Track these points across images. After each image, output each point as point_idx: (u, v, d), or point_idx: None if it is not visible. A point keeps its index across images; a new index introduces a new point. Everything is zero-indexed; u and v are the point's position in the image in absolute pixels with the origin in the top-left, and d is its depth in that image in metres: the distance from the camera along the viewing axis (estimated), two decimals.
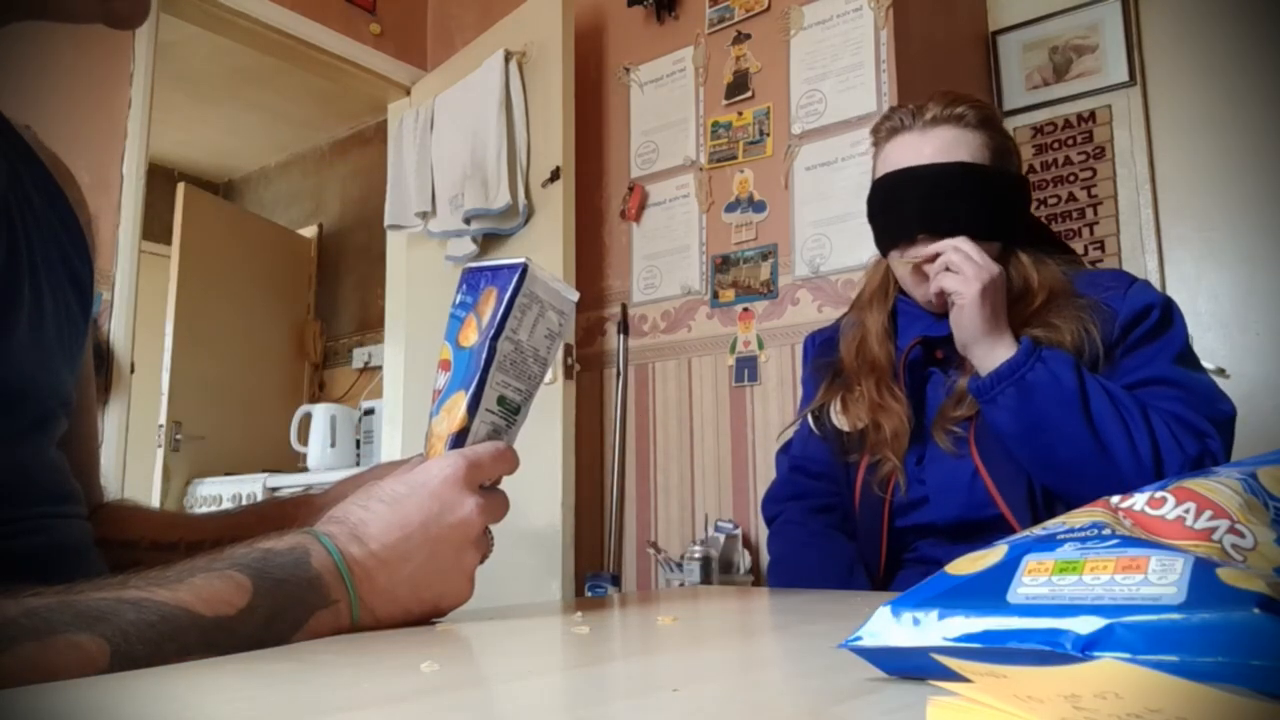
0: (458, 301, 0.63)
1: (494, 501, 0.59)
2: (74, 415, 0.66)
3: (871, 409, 1.18)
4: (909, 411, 1.16)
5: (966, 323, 1.07)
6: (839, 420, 1.22)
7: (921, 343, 1.18)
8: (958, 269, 1.08)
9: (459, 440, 0.59)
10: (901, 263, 1.18)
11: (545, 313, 0.62)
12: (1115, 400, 1.02)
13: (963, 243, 1.09)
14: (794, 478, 1.32)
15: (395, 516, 0.55)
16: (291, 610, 0.49)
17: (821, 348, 1.33)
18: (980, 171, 1.14)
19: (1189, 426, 1.01)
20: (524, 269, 0.60)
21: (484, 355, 0.60)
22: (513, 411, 0.62)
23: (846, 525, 1.26)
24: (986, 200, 1.14)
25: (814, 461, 1.29)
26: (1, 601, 0.40)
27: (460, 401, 0.60)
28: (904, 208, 1.16)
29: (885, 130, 1.23)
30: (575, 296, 0.65)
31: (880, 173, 1.21)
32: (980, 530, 1.07)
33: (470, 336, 0.61)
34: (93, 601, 0.42)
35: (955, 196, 1.13)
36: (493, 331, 0.60)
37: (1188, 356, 1.09)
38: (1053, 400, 1.01)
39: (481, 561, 0.59)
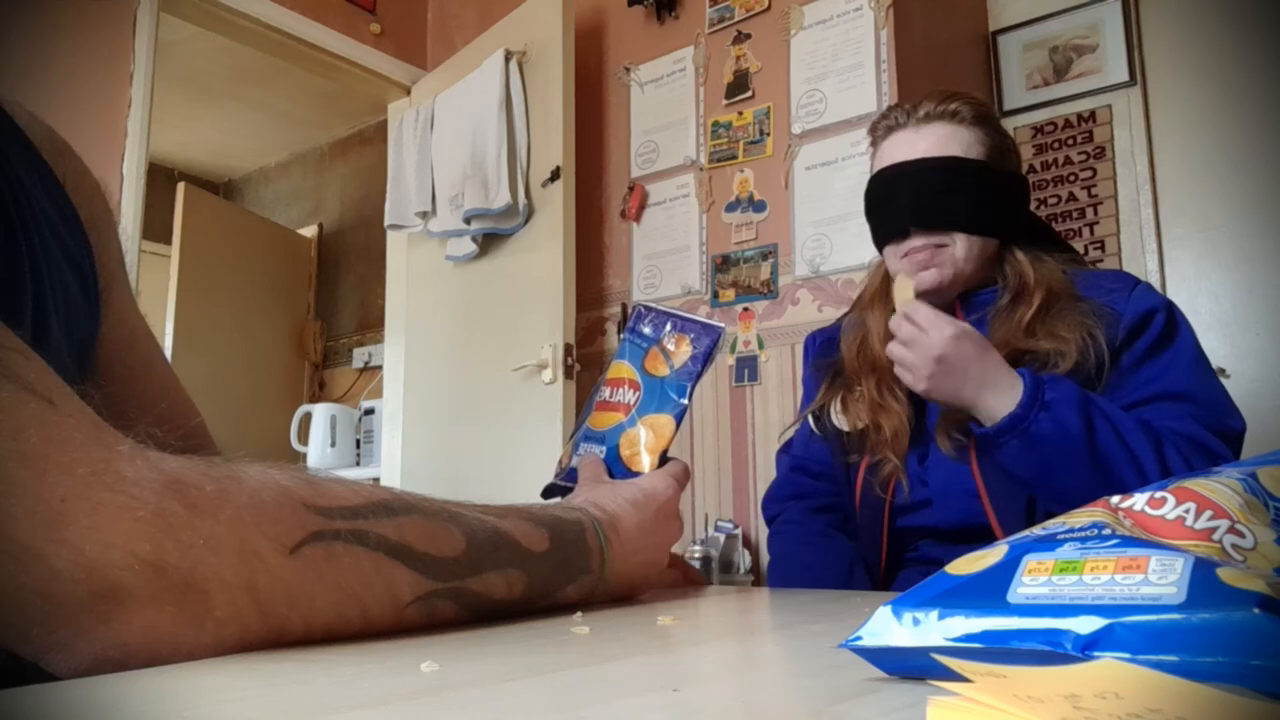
0: (638, 330, 0.80)
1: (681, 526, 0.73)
2: (142, 376, 0.64)
3: (872, 409, 1.18)
4: (909, 412, 1.16)
5: (936, 399, 1.06)
6: (839, 420, 1.22)
7: None
8: (899, 360, 1.05)
9: (664, 458, 0.75)
10: (896, 258, 1.18)
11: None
12: (1123, 435, 0.99)
13: (905, 322, 1.04)
14: (794, 478, 1.32)
15: (638, 518, 0.66)
16: (571, 565, 0.57)
17: (822, 347, 1.33)
18: (974, 167, 1.14)
19: (1202, 449, 0.99)
20: (719, 336, 0.78)
21: (688, 395, 0.76)
22: None
23: (847, 525, 1.25)
24: (980, 196, 1.13)
25: (815, 461, 1.29)
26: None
27: (670, 425, 0.75)
28: (897, 203, 1.16)
29: (881, 128, 1.23)
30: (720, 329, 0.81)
31: (875, 170, 1.21)
32: (982, 535, 1.07)
33: (660, 368, 0.77)
34: (439, 504, 0.49)
35: (948, 191, 1.13)
36: (694, 378, 0.76)
37: (1199, 361, 1.08)
38: (1060, 449, 0.98)
39: None
